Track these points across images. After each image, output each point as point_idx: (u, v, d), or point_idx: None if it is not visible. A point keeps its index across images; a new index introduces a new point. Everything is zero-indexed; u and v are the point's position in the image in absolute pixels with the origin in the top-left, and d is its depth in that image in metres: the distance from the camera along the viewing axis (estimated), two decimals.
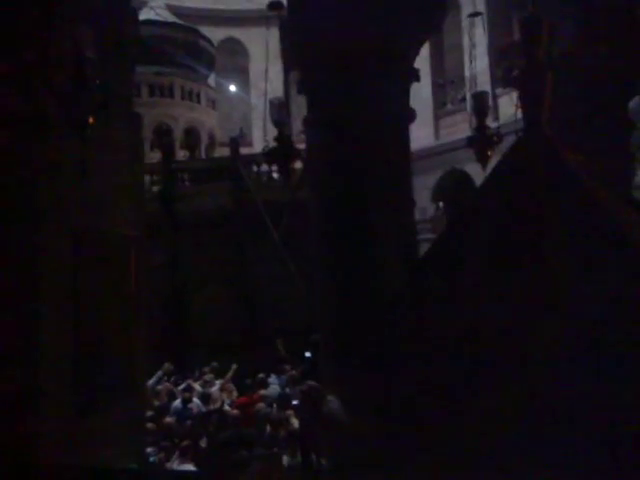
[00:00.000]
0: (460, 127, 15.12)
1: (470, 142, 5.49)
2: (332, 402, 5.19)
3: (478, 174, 12.14)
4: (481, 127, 5.30)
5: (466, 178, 14.19)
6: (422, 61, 9.63)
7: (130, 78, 5.36)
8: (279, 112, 5.52)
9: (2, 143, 2.48)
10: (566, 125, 4.83)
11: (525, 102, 2.37)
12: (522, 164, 2.18)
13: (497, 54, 11.38)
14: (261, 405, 7.11)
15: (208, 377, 9.05)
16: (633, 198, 2.46)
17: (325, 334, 6.25)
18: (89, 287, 3.96)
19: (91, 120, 2.67)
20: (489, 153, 5.25)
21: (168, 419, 6.85)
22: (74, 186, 3.36)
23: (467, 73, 14.86)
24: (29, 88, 2.58)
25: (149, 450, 5.86)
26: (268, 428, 6.44)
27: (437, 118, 17.39)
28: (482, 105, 5.52)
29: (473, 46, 8.10)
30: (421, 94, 14.46)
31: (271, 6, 6.36)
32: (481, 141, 5.27)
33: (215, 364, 9.63)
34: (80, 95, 2.61)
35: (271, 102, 5.73)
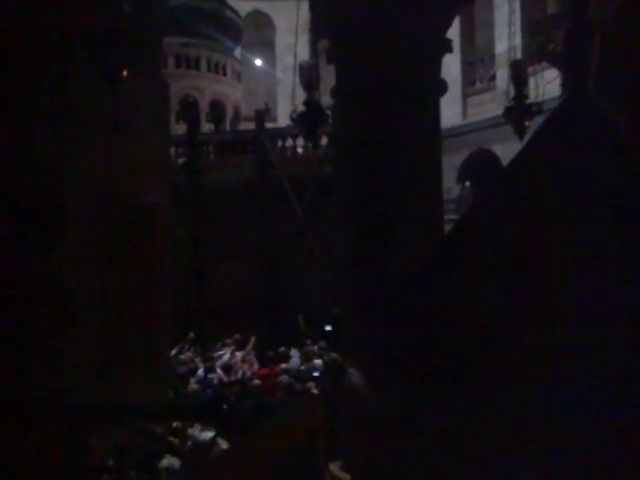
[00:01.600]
0: (488, 107, 14.83)
1: (507, 113, 5.33)
2: (353, 375, 5.19)
3: (506, 154, 11.90)
4: (519, 97, 5.13)
5: (493, 158, 13.94)
6: (452, 37, 9.36)
7: (159, 45, 5.32)
8: (309, 76, 5.41)
9: (29, 93, 2.46)
10: (612, 92, 4.66)
11: (569, 65, 2.24)
12: (566, 128, 2.07)
13: (532, 28, 11.05)
14: (284, 377, 7.16)
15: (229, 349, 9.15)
16: None
17: (346, 308, 6.23)
18: (115, 251, 3.99)
19: (125, 74, 2.63)
20: (527, 124, 5.09)
21: (193, 385, 6.95)
22: (104, 145, 3.36)
23: (498, 51, 14.48)
24: (61, 36, 2.55)
25: None
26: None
27: (465, 97, 17.06)
28: (520, 74, 5.34)
29: (512, 12, 7.83)
30: (450, 72, 14.16)
31: None
32: (519, 111, 5.11)
33: (238, 336, 9.72)
34: (114, 48, 2.58)
35: (301, 65, 5.63)
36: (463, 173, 15.83)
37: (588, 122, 2.03)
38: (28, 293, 2.72)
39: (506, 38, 9.82)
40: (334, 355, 6.07)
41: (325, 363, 5.44)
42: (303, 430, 2.08)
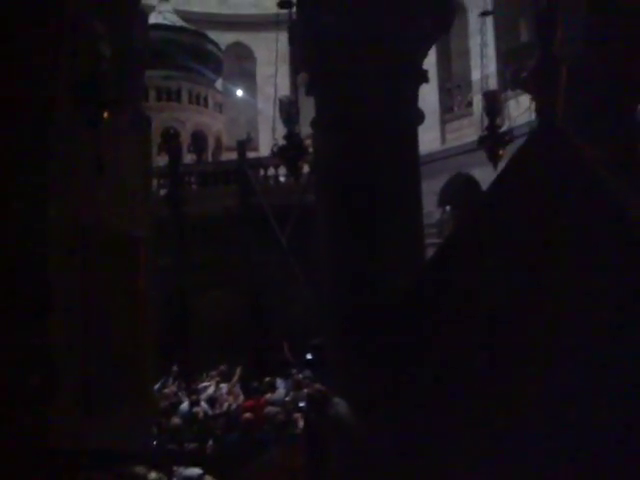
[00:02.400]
0: (466, 132, 15.12)
1: (481, 142, 5.47)
2: (339, 405, 5.16)
3: (484, 178, 12.09)
4: (492, 126, 5.28)
5: (472, 182, 14.17)
6: (429, 66, 9.57)
7: (141, 80, 5.38)
8: (288, 110, 5.51)
9: (13, 135, 2.48)
10: (576, 125, 4.82)
11: (538, 97, 2.34)
12: (536, 159, 2.15)
13: (505, 56, 11.35)
14: (270, 408, 7.09)
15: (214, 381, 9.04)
16: None
17: (331, 337, 6.23)
18: (98, 285, 3.96)
19: (106, 115, 2.67)
20: (500, 152, 5.22)
21: (175, 420, 6.83)
22: (86, 182, 3.37)
23: (474, 78, 14.83)
24: (42, 81, 2.58)
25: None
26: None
27: (443, 122, 17.39)
28: (494, 104, 5.49)
29: (484, 45, 8.09)
30: (428, 99, 14.45)
31: (281, 5, 6.37)
32: (492, 140, 5.25)
33: (223, 367, 9.62)
34: (94, 90, 2.61)
35: (281, 100, 5.73)
36: (443, 197, 16.04)
37: (557, 154, 2.10)
38: (17, 364, 2.72)
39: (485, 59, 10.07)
40: (317, 386, 6.04)
41: (308, 395, 5.41)
42: (283, 476, 2.07)
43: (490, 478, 1.61)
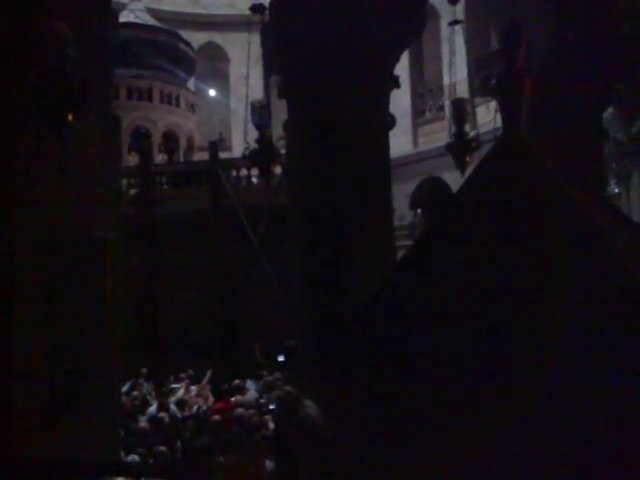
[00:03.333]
0: (438, 135, 15.31)
1: (449, 148, 5.56)
2: (309, 407, 5.17)
3: (455, 182, 12.28)
4: (460, 133, 5.37)
5: (444, 185, 14.36)
6: (401, 70, 9.66)
7: (109, 79, 5.30)
8: (260, 114, 5.51)
9: None
10: (542, 134, 4.94)
11: (504, 108, 2.40)
12: (500, 168, 2.20)
13: (475, 63, 11.55)
14: (240, 410, 7.06)
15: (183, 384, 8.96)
16: (612, 204, 2.52)
17: (302, 339, 6.24)
18: (64, 288, 3.90)
19: (70, 117, 2.63)
20: (467, 159, 5.31)
21: (142, 424, 6.75)
22: (50, 184, 3.32)
23: (445, 82, 15.04)
24: (5, 83, 2.53)
25: (122, 456, 5.77)
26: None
27: (415, 126, 17.59)
28: (461, 111, 5.59)
29: (453, 54, 8.23)
30: (400, 103, 14.60)
31: (254, 9, 6.36)
32: (460, 147, 5.33)
33: (191, 372, 9.55)
34: (59, 92, 2.57)
35: (252, 104, 5.73)
36: (415, 200, 16.21)
37: (521, 163, 2.16)
38: None
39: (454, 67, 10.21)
40: (288, 388, 6.03)
41: (278, 397, 5.41)
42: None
43: None
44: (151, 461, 5.86)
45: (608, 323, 1.69)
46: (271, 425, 6.30)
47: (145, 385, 9.03)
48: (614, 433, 1.55)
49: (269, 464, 4.85)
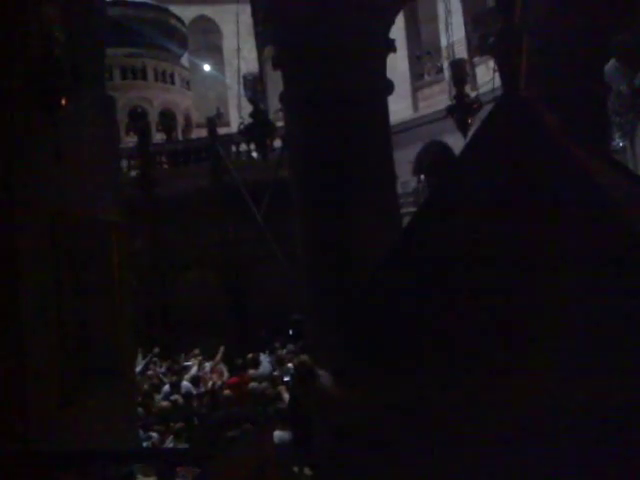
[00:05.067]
0: (438, 99, 15.09)
1: (450, 111, 5.47)
2: (323, 377, 5.22)
3: (458, 145, 12.15)
4: (460, 95, 5.27)
5: (446, 149, 14.20)
6: (397, 33, 9.48)
7: (101, 59, 5.22)
8: (253, 88, 5.42)
9: None
10: (542, 91, 4.85)
11: (501, 66, 2.34)
12: (501, 128, 2.15)
13: (473, 22, 11.30)
14: (254, 384, 7.14)
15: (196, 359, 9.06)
16: (616, 160, 2.46)
17: (310, 311, 6.27)
18: (71, 273, 3.90)
19: (63, 102, 2.58)
20: (469, 121, 5.23)
21: (164, 403, 6.84)
22: (48, 171, 3.29)
23: (443, 43, 14.76)
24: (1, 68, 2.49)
25: (142, 435, 5.88)
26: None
27: (415, 90, 17.32)
28: (460, 73, 5.48)
29: (449, 12, 8.02)
30: (397, 67, 14.37)
31: None
32: (461, 109, 5.24)
33: (197, 351, 9.63)
34: (49, 77, 2.52)
35: (244, 78, 5.63)
36: (418, 166, 16.07)
37: (521, 122, 2.11)
38: None
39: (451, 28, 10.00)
40: (303, 357, 6.08)
41: (294, 366, 5.45)
42: (253, 463, 2.08)
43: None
44: (170, 437, 5.96)
45: (614, 284, 1.66)
46: (285, 397, 6.38)
47: (158, 364, 9.13)
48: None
49: (278, 433, 4.93)
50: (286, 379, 7.51)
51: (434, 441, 1.65)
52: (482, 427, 1.58)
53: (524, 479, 1.53)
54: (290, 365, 7.88)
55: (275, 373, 8.22)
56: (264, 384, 7.25)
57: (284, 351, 9.52)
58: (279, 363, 8.67)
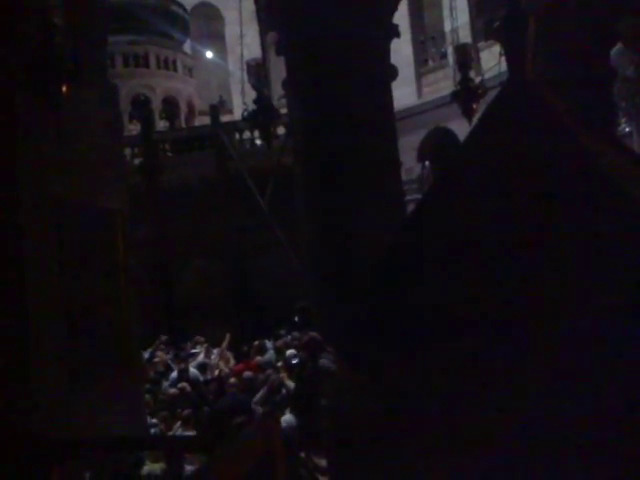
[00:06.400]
0: (442, 84, 14.98)
1: (455, 96, 5.43)
2: (327, 356, 5.23)
3: (462, 131, 12.07)
4: (465, 80, 5.23)
5: (451, 135, 14.12)
6: (401, 18, 9.36)
7: (103, 47, 5.19)
8: (257, 74, 5.39)
9: None
10: (548, 75, 4.80)
11: (508, 51, 2.32)
12: (507, 113, 2.14)
13: (477, 6, 11.18)
14: (248, 373, 7.13)
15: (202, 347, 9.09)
16: (623, 143, 2.45)
17: (315, 298, 6.29)
18: (75, 261, 3.91)
19: (65, 90, 2.57)
20: (474, 106, 5.20)
21: (172, 390, 6.88)
22: (52, 160, 3.29)
23: (447, 28, 14.63)
24: (3, 57, 2.48)
25: (150, 421, 5.92)
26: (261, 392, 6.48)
27: (419, 76, 17.19)
28: (465, 57, 5.44)
29: None
30: (401, 52, 14.25)
31: None
32: (466, 95, 5.21)
33: (201, 338, 9.63)
34: (50, 64, 2.51)
35: (248, 64, 5.60)
36: (422, 152, 15.99)
37: (528, 106, 2.10)
38: None
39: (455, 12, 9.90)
40: (312, 333, 6.05)
41: (304, 342, 5.45)
42: (260, 450, 2.10)
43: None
44: (178, 423, 6.01)
45: (619, 268, 1.65)
46: (288, 383, 6.40)
47: (165, 351, 9.17)
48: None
49: (285, 417, 4.96)
50: (294, 362, 7.47)
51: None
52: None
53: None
54: (291, 351, 7.85)
55: (279, 365, 8.20)
56: (268, 371, 7.26)
57: (289, 337, 9.52)
58: (279, 353, 8.56)
